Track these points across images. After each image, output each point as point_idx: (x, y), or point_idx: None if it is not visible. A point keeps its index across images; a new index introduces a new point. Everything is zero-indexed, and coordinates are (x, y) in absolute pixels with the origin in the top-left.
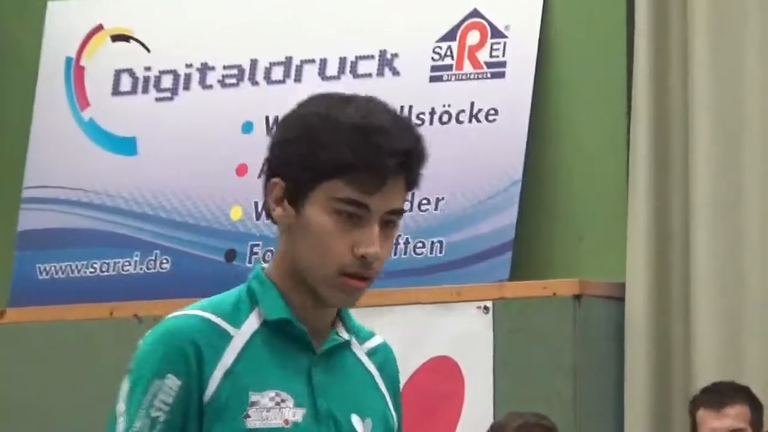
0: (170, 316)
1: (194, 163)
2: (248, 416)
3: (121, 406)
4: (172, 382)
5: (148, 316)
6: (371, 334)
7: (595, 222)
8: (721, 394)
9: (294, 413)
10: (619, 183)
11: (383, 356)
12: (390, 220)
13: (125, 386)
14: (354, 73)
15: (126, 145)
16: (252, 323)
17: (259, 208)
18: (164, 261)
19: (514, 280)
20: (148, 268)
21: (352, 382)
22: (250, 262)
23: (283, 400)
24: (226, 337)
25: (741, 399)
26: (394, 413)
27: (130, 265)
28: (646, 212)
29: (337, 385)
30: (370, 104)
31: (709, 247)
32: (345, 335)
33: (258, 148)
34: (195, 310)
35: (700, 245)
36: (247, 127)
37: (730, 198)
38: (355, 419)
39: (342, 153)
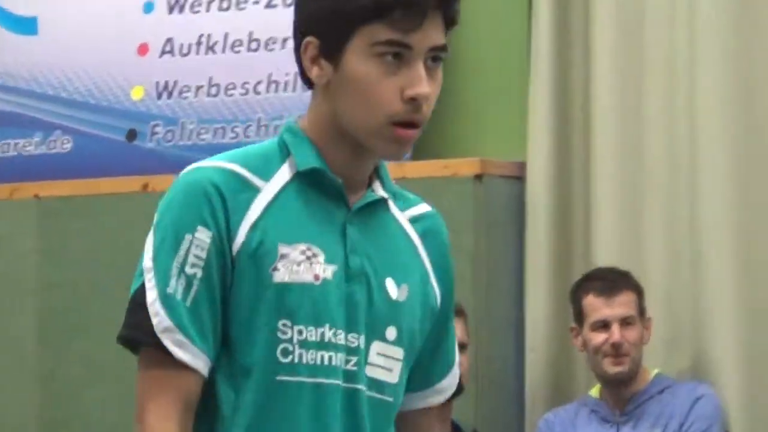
0: (193, 166)
1: (95, 43)
2: (276, 269)
3: (148, 263)
4: (204, 235)
5: (48, 197)
6: (417, 201)
7: (497, 101)
8: (611, 281)
9: (324, 269)
10: (521, 61)
11: (429, 224)
12: (435, 57)
13: (151, 242)
14: None
15: (27, 25)
16: (284, 175)
17: (160, 88)
18: (66, 141)
19: (415, 160)
20: (49, 149)
21: (391, 245)
22: (151, 142)
23: (314, 255)
24: (253, 190)
25: (629, 286)
26: (437, 290)
27: (31, 145)
28: (548, 91)
29: (373, 245)
30: None
31: (611, 125)
32: (382, 193)
33: (159, 28)
34: (220, 161)
35: (600, 123)
36: (149, 8)
37: (632, 79)
38: (389, 283)
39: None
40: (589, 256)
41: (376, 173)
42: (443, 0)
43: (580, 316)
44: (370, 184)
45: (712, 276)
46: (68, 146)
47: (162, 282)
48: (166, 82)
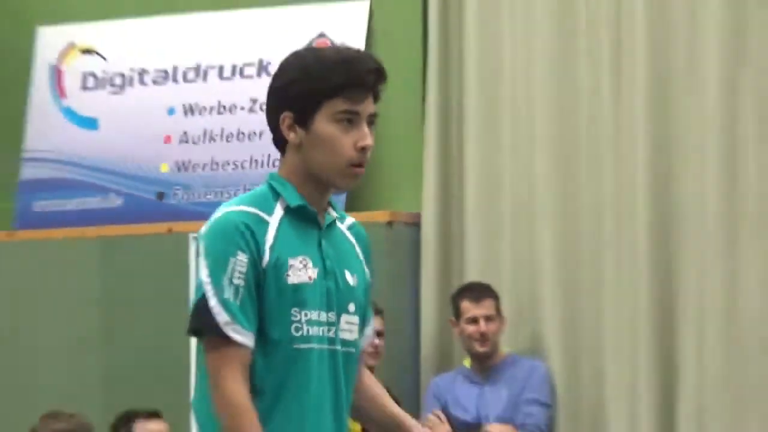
0: (222, 211)
1: (136, 135)
2: (288, 275)
3: (206, 279)
4: (243, 257)
5: (107, 236)
6: (345, 216)
7: (401, 166)
8: (478, 291)
9: (313, 272)
10: (418, 136)
11: (357, 230)
12: (371, 122)
13: (206, 266)
14: (241, 75)
15: (90, 124)
16: (279, 210)
17: (179, 165)
18: (117, 199)
19: (349, 211)
20: (106, 204)
21: (343, 249)
22: (173, 200)
23: (307, 263)
24: (265, 223)
25: (491, 294)
26: (367, 271)
27: (94, 202)
28: (434, 157)
29: (335, 250)
30: (339, 46)
31: (476, 176)
32: (334, 214)
33: (177, 125)
34: (238, 206)
35: (469, 178)
36: (171, 111)
37: (493, 139)
38: (347, 274)
39: (337, 79)
40: (462, 274)
41: (329, 202)
42: (377, 82)
43: (457, 313)
44: (326, 210)
45: (544, 281)
46: (119, 202)
47: (219, 291)
48: (183, 161)
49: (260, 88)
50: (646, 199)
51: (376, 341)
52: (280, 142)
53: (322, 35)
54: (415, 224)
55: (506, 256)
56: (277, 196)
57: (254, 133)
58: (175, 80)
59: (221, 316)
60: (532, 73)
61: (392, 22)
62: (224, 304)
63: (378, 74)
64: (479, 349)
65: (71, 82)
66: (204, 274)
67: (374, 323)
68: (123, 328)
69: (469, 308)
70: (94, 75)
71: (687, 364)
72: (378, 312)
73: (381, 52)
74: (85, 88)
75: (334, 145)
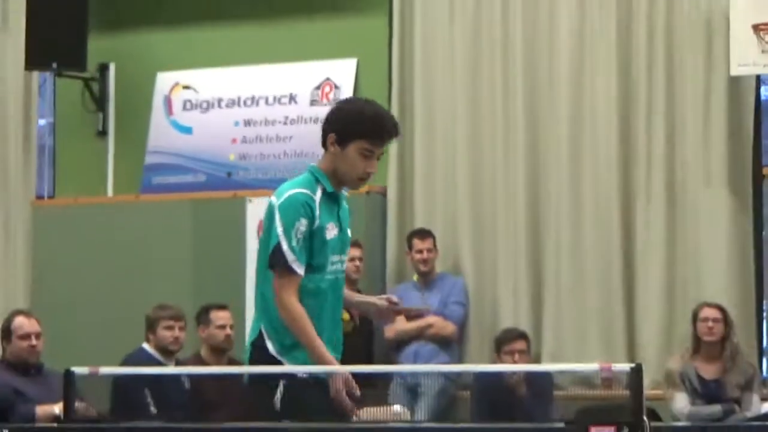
0: (290, 191)
1: (216, 138)
2: (326, 234)
3: (281, 234)
4: (303, 222)
5: (198, 199)
6: (345, 194)
7: None
8: (423, 233)
9: (336, 231)
10: None
11: (345, 198)
12: (378, 157)
13: (281, 225)
14: (279, 103)
15: (187, 130)
16: (319, 193)
17: (241, 156)
18: (202, 177)
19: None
20: (196, 180)
21: (345, 215)
22: (237, 178)
23: (333, 226)
24: (314, 200)
25: (430, 235)
26: (349, 231)
27: (188, 179)
28: (396, 151)
29: (342, 216)
30: (376, 104)
31: (421, 163)
32: (345, 193)
33: (240, 132)
34: (299, 188)
35: (417, 164)
36: (236, 124)
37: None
38: (348, 230)
39: (370, 130)
40: (413, 224)
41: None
42: (392, 137)
43: (410, 247)
44: (340, 191)
45: (462, 227)
46: (203, 179)
47: (288, 241)
48: (243, 154)
49: (291, 110)
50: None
51: (358, 263)
52: (324, 146)
53: (327, 79)
54: (384, 193)
55: (439, 213)
56: (317, 182)
57: (288, 137)
58: (238, 105)
59: (289, 257)
60: (455, 89)
61: (369, 67)
62: (291, 249)
63: (395, 133)
64: (423, 269)
65: (176, 106)
66: (280, 231)
67: (357, 252)
68: (206, 258)
69: (417, 244)
70: (190, 101)
71: (549, 279)
72: (359, 245)
73: (363, 82)
74: (184, 109)
75: (354, 166)
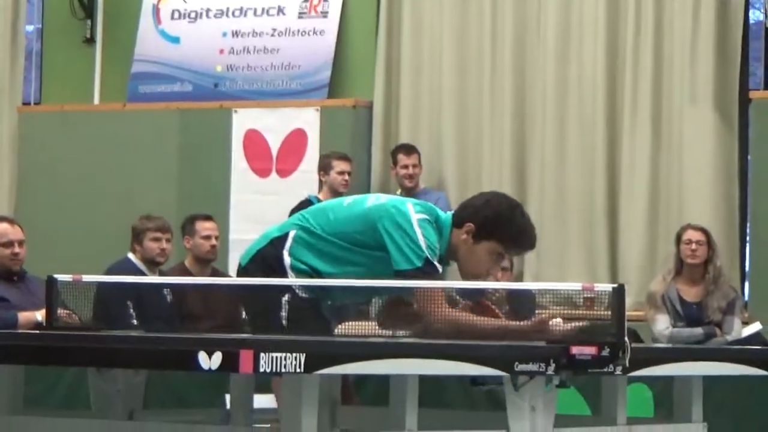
0: (407, 202)
1: (203, 49)
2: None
3: (408, 240)
4: (430, 229)
5: (184, 108)
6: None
7: (363, 72)
8: (408, 148)
9: None
10: (372, 52)
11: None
12: (506, 266)
13: (406, 231)
14: (267, 14)
15: (174, 39)
16: (436, 243)
17: (228, 68)
18: (189, 86)
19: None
20: (182, 89)
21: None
22: (224, 88)
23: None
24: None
25: (415, 150)
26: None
27: (174, 88)
28: (383, 57)
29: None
30: (525, 214)
31: (407, 79)
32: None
33: (228, 43)
34: (408, 202)
35: (403, 80)
36: (224, 35)
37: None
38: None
39: (513, 238)
40: (398, 138)
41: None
42: (526, 251)
43: (395, 162)
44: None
45: (446, 143)
46: (190, 88)
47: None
48: (229, 65)
49: (279, 22)
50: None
51: (347, 178)
52: (455, 224)
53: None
54: (369, 107)
55: (424, 127)
56: (440, 235)
57: (275, 49)
58: (227, 16)
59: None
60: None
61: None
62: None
63: (530, 250)
64: (408, 184)
65: (165, 15)
66: (408, 234)
67: (346, 166)
68: (191, 168)
69: (402, 159)
70: (178, 11)
71: (533, 198)
72: (348, 160)
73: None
74: (173, 18)
75: (480, 263)
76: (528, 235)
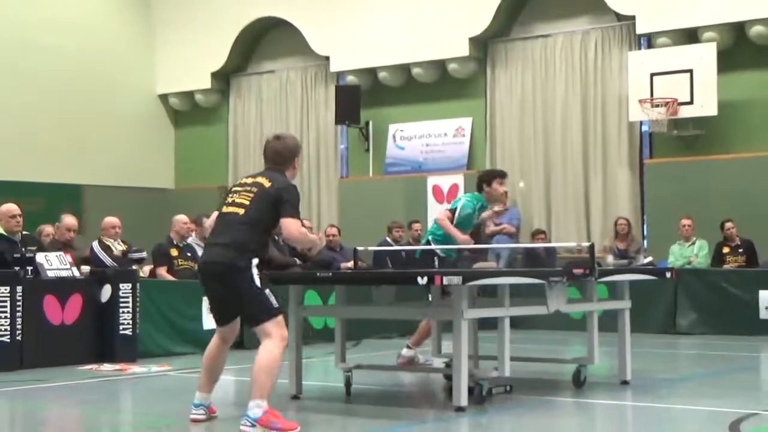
0: (465, 195)
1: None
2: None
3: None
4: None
5: None
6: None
7: (479, 153)
8: (503, 173)
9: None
10: None
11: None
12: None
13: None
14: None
15: (401, 147)
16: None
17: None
18: None
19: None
20: None
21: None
22: None
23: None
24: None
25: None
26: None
27: None
28: None
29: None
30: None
31: None
32: None
33: None
34: (467, 196)
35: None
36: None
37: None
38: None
39: (497, 173)
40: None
41: None
42: None
43: (489, 185)
44: None
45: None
46: (408, 168)
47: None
48: (426, 158)
49: (446, 138)
50: None
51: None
52: (479, 189)
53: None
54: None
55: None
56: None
57: (443, 150)
58: (425, 137)
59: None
60: None
61: None
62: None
63: (504, 175)
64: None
65: (397, 137)
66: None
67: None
68: None
69: (502, 184)
70: (402, 134)
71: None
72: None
73: None
74: (401, 139)
75: (497, 189)
76: (497, 170)
